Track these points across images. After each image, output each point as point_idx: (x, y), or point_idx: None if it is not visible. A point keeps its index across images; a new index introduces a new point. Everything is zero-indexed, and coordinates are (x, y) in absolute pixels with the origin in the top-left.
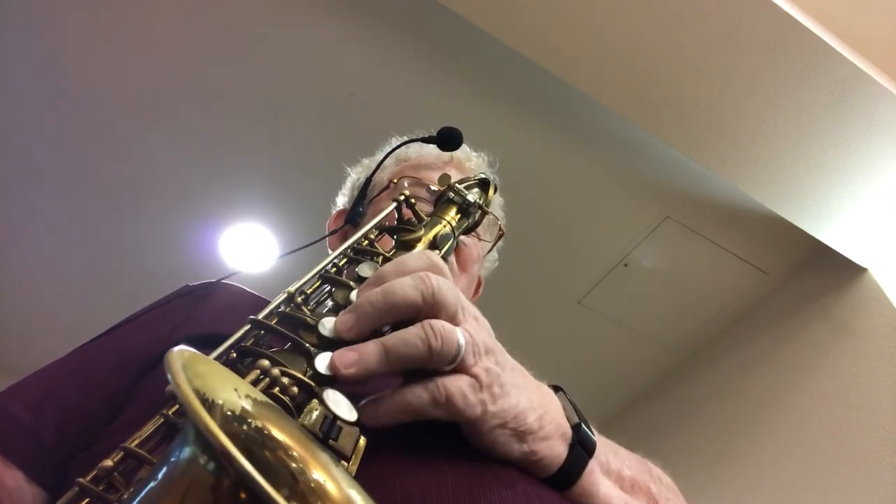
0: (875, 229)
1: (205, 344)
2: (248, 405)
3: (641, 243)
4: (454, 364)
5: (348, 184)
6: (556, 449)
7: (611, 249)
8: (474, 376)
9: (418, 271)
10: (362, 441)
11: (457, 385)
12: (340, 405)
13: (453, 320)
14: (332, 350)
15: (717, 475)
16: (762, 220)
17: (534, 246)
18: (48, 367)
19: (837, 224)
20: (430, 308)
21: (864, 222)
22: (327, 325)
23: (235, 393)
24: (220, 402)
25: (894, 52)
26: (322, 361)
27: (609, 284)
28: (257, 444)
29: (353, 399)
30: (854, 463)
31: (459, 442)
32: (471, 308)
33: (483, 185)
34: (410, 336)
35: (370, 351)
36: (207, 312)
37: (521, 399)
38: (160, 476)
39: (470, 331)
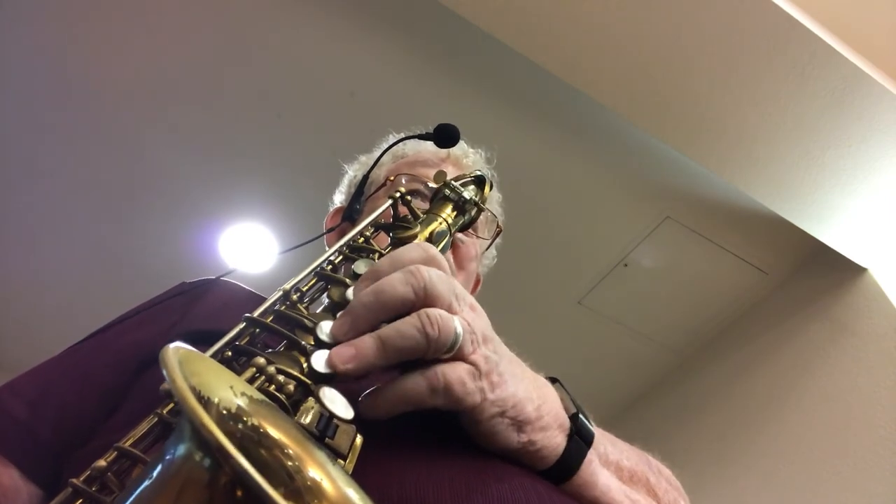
0: (875, 229)
1: (200, 341)
2: (244, 403)
3: (641, 243)
4: (452, 352)
5: (345, 181)
6: (554, 439)
7: (611, 249)
8: (473, 364)
9: (414, 263)
10: (359, 439)
11: (456, 372)
12: (337, 403)
13: (449, 310)
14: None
15: (717, 475)
16: (762, 220)
17: (534, 246)
18: (43, 364)
19: (837, 224)
20: (423, 302)
21: (864, 222)
22: (325, 328)
23: (231, 391)
24: (216, 399)
25: (894, 52)
26: (319, 359)
27: (609, 284)
28: (253, 443)
29: (350, 397)
30: (854, 463)
31: (456, 439)
32: (467, 297)
33: (479, 181)
34: (406, 326)
35: (367, 345)
36: (203, 309)
37: (520, 388)
38: (155, 474)
39: (468, 319)
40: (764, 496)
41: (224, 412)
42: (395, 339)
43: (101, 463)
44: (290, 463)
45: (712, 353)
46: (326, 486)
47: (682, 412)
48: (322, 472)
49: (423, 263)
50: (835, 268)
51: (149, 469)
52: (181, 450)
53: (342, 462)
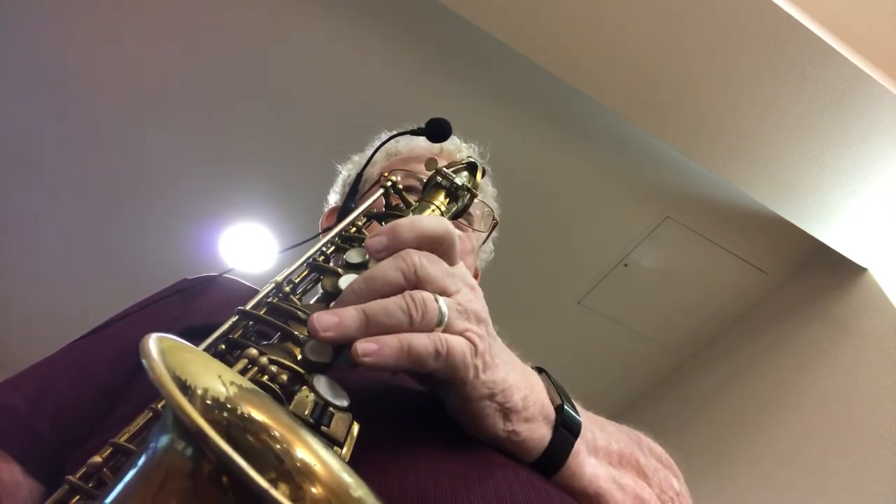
0: (875, 229)
1: (199, 335)
2: (232, 392)
3: (641, 243)
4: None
5: (339, 181)
6: (538, 431)
7: (611, 249)
8: (469, 340)
9: (431, 233)
10: (356, 427)
11: (458, 341)
12: (331, 391)
13: (443, 292)
14: None
15: (717, 475)
16: (762, 220)
17: (534, 246)
18: (44, 361)
19: (837, 224)
20: (414, 286)
21: (864, 222)
22: None
23: (219, 380)
24: (202, 389)
25: (894, 52)
26: (313, 349)
27: (609, 284)
28: (240, 430)
29: (346, 386)
30: (854, 463)
31: (452, 432)
32: (468, 278)
33: (471, 168)
34: (391, 305)
35: (350, 315)
36: (205, 305)
37: (510, 375)
38: (139, 464)
39: (462, 301)
40: (764, 496)
41: (210, 401)
42: (378, 314)
43: (97, 459)
44: (278, 446)
45: (712, 353)
46: (319, 468)
47: (682, 412)
48: (313, 456)
49: (440, 235)
50: (835, 268)
51: (133, 460)
52: (163, 440)
53: (339, 450)
